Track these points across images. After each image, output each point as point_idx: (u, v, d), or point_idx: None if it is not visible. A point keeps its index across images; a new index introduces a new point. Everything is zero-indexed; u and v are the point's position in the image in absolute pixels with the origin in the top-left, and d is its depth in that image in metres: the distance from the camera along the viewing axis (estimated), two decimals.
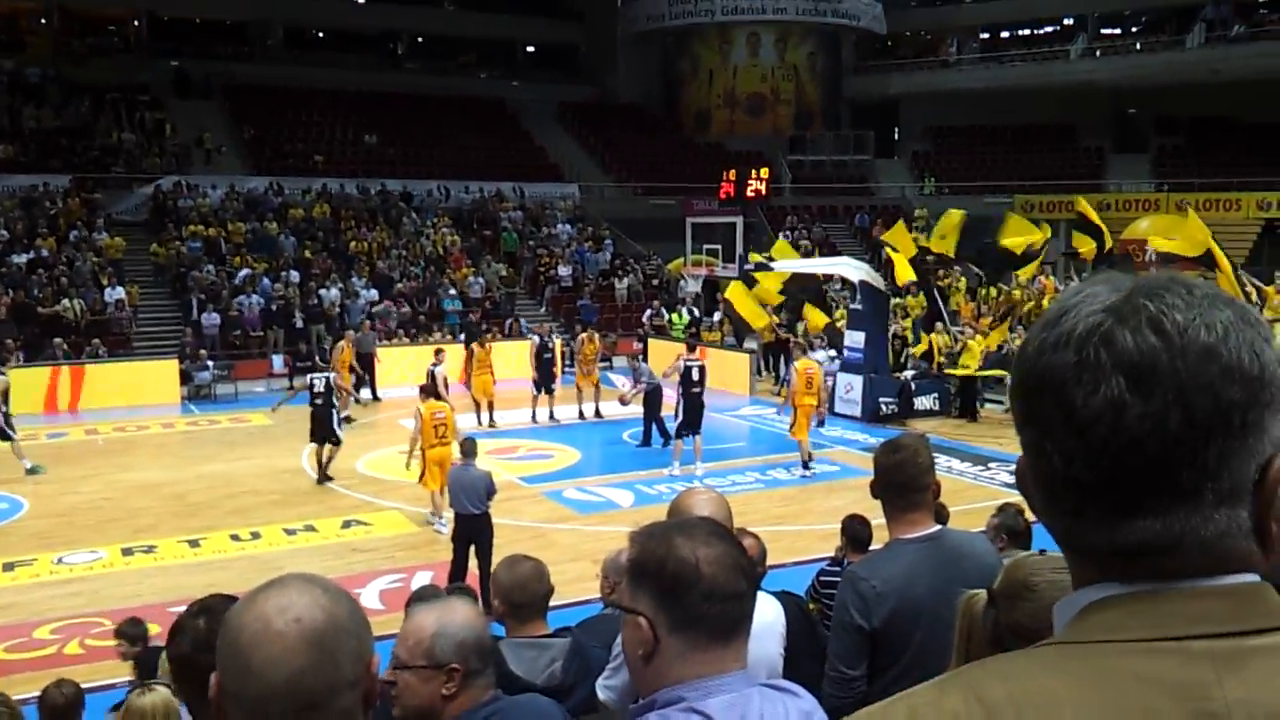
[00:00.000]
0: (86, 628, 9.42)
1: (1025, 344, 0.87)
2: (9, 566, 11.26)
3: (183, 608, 8.09)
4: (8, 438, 15.23)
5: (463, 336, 23.08)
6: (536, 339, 19.49)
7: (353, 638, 1.32)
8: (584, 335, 19.96)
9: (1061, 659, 0.83)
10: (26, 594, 10.48)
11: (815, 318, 21.14)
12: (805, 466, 14.92)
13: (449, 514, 11.72)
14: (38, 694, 6.59)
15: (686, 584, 1.62)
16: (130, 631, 6.30)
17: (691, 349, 15.96)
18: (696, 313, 26.40)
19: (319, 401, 14.68)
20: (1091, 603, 0.86)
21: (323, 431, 14.65)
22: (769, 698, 1.67)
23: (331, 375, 15.56)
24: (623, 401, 16.50)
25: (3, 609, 10.03)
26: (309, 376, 15.48)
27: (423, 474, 12.31)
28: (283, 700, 1.27)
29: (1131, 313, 0.81)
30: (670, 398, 15.44)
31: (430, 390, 13.03)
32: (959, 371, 18.86)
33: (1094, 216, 20.21)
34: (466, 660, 2.32)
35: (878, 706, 0.87)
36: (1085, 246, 20.18)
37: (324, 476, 14.61)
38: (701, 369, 14.97)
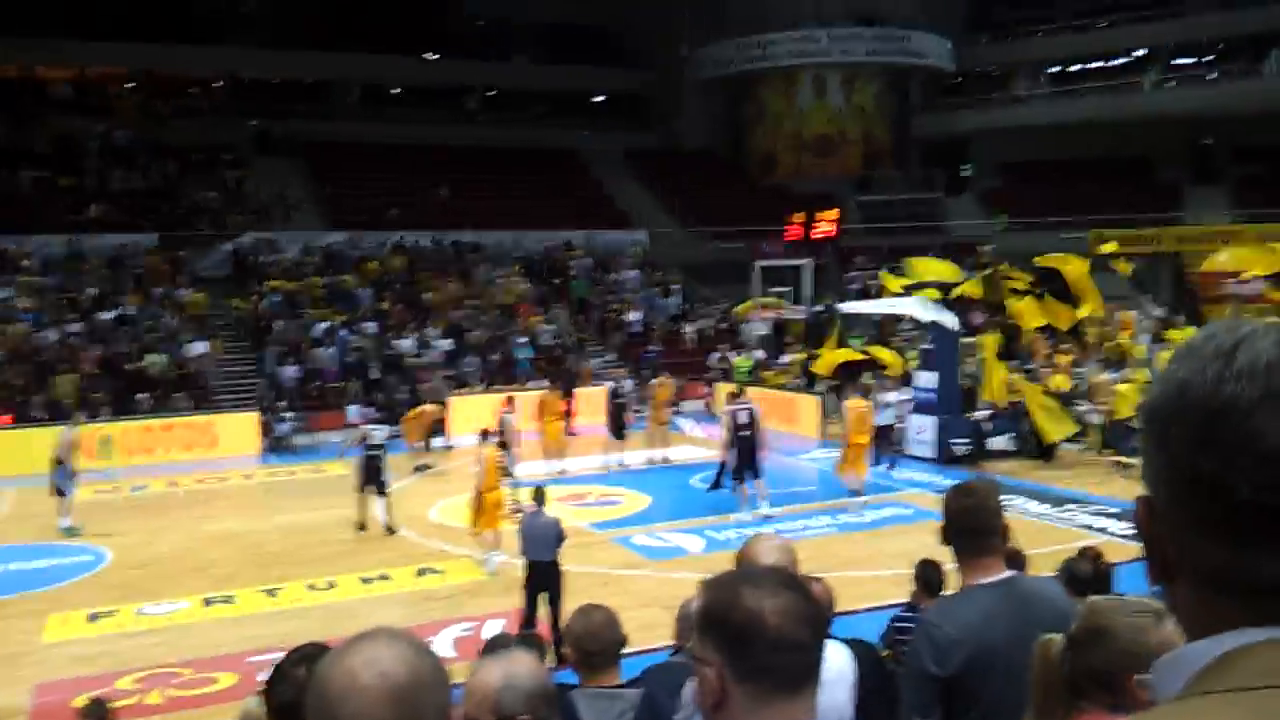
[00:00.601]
0: (168, 678, 9.59)
1: (1191, 378, 0.85)
2: (93, 617, 11.53)
3: (260, 657, 8.28)
4: (62, 493, 15.37)
5: (545, 383, 23.25)
6: (609, 385, 19.62)
7: (435, 692, 1.37)
8: (658, 380, 19.99)
9: (1228, 707, 0.80)
10: (109, 644, 10.70)
11: (888, 358, 20.94)
12: (857, 494, 15.38)
13: (497, 554, 12.46)
14: None
15: (753, 634, 1.62)
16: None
17: (736, 394, 15.99)
18: (763, 355, 26.29)
19: (373, 453, 14.75)
20: (1242, 647, 0.83)
21: (374, 482, 14.67)
22: None
23: (387, 430, 15.84)
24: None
25: (87, 659, 10.25)
26: (366, 427, 15.73)
27: (478, 517, 12.56)
28: None
29: None
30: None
31: (490, 435, 13.45)
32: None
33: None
34: (535, 711, 2.34)
35: None
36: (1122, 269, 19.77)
37: (389, 529, 14.62)
38: (750, 412, 14.93)
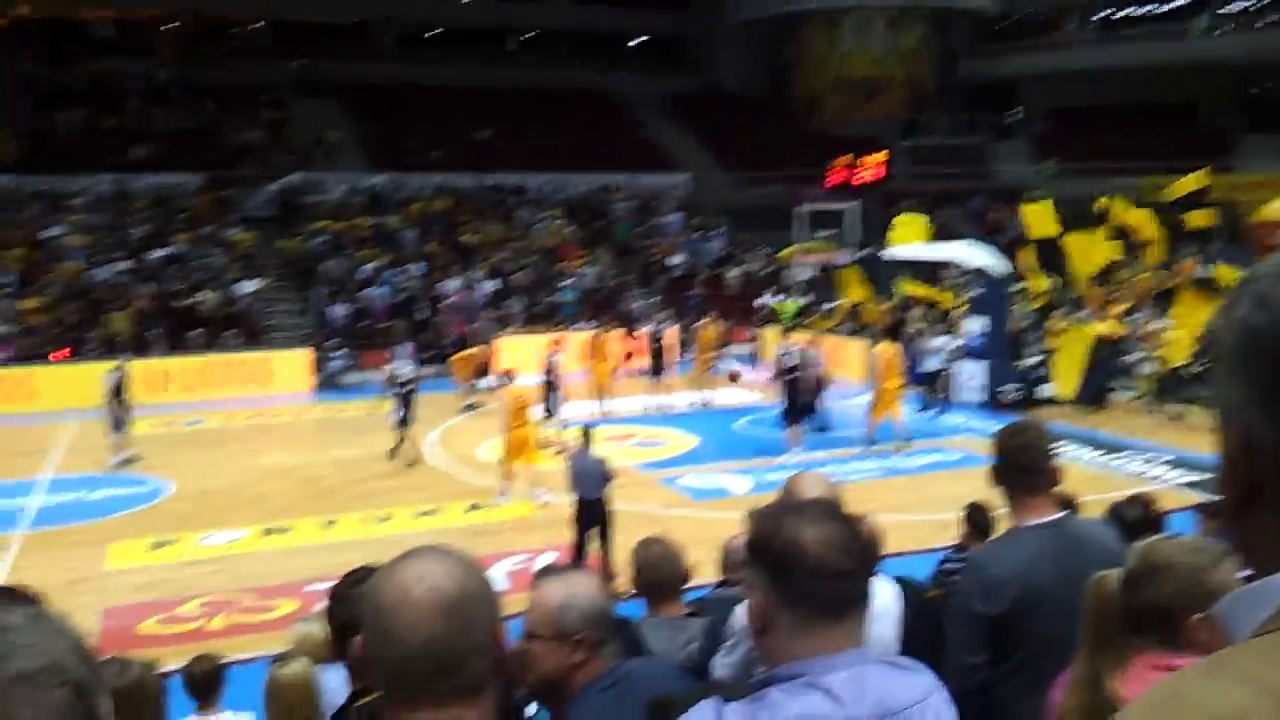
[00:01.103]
0: (229, 604, 9.92)
1: None
2: (157, 545, 11.88)
3: (318, 585, 8.49)
4: (119, 428, 15.74)
5: (594, 324, 23.43)
6: (650, 327, 19.72)
7: (483, 606, 1.42)
8: (703, 322, 20.04)
9: None
10: (173, 572, 11.04)
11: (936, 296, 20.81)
12: (872, 443, 15.33)
13: (516, 488, 12.96)
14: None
15: (793, 561, 1.71)
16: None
17: (785, 336, 16.07)
18: (805, 300, 26.22)
19: (409, 388, 15.35)
20: None
21: (406, 416, 15.26)
22: (888, 674, 1.73)
23: (415, 365, 16.59)
24: (733, 378, 16.69)
25: (152, 585, 10.60)
26: (390, 366, 16.25)
27: (508, 456, 12.92)
28: (420, 663, 1.37)
29: None
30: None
31: (511, 377, 13.85)
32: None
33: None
34: (593, 629, 2.44)
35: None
36: (1202, 221, 19.38)
37: (393, 454, 15.30)
38: (800, 354, 15.02)
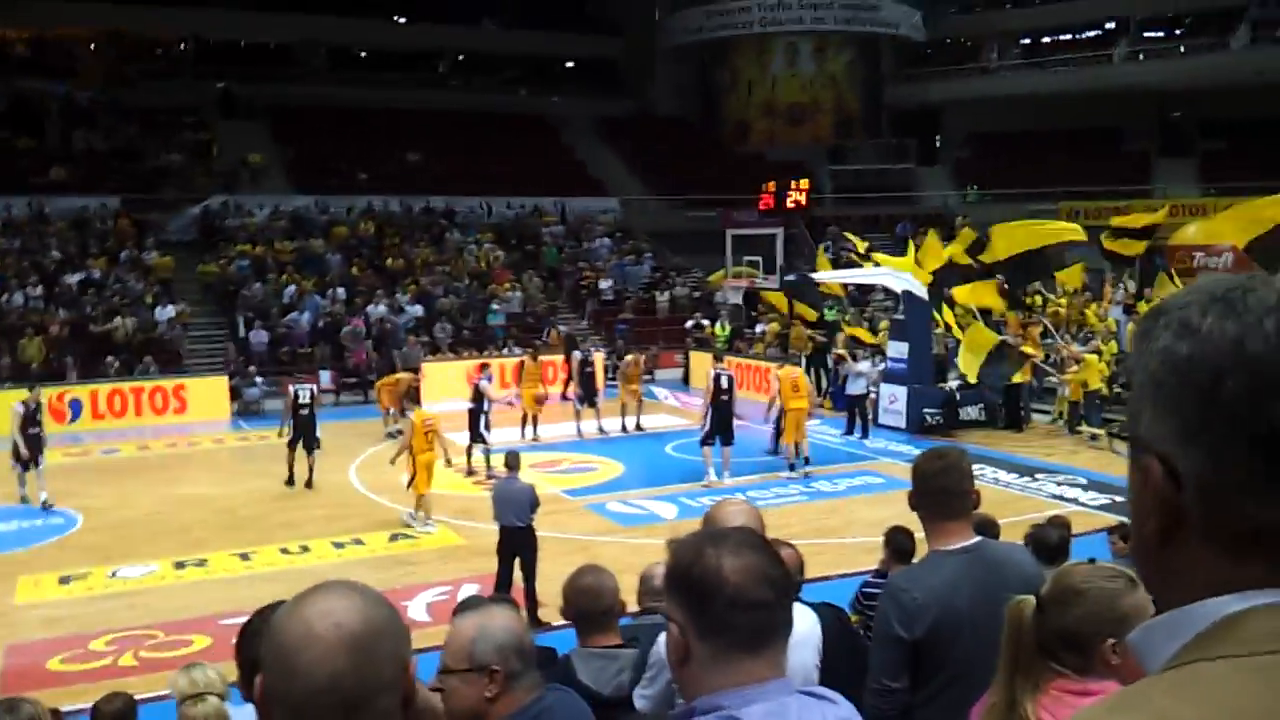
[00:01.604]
0: (141, 640, 9.60)
1: (1245, 333, 0.83)
2: (65, 579, 11.49)
3: (233, 620, 8.26)
4: (30, 463, 14.51)
5: (517, 349, 23.31)
6: (578, 355, 19.63)
7: (390, 640, 1.37)
8: (630, 359, 19.92)
9: (1243, 673, 0.78)
10: (82, 607, 10.69)
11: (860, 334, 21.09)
12: (792, 468, 15.45)
13: (428, 516, 13.00)
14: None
15: (711, 591, 1.65)
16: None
17: (718, 359, 16.12)
18: (733, 324, 26.40)
19: (304, 411, 15.55)
20: (1251, 608, 0.81)
21: (308, 440, 15.47)
22: (807, 705, 1.69)
23: (314, 388, 16.41)
24: None
25: (59, 621, 10.24)
26: (293, 388, 16.22)
27: (413, 478, 12.97)
28: (325, 701, 1.32)
29: None
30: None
31: (416, 400, 14.51)
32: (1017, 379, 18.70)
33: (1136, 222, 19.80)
34: (506, 661, 2.38)
35: None
36: (1130, 250, 19.88)
37: (309, 482, 15.43)
38: (730, 378, 15.10)
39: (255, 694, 1.40)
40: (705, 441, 15.05)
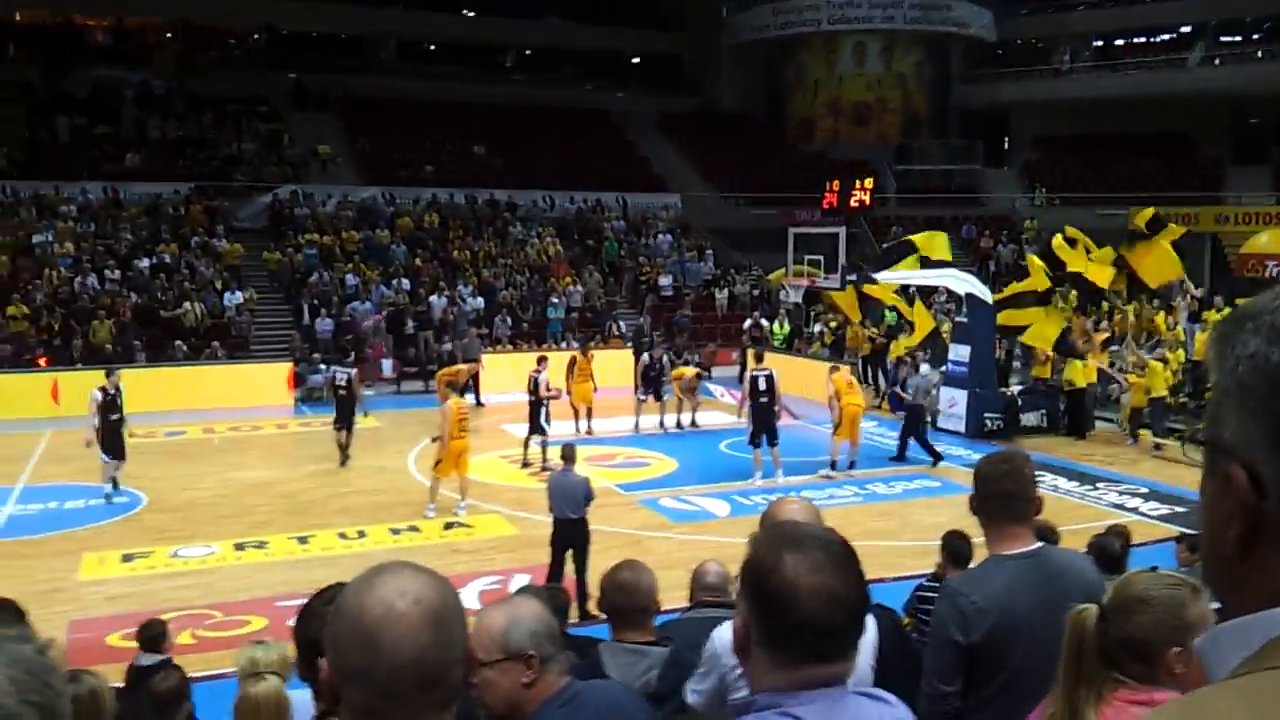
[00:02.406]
0: (199, 619, 9.78)
1: None
2: (128, 557, 11.74)
3: (290, 602, 8.37)
4: (116, 452, 14.37)
5: (575, 343, 23.36)
6: (646, 359, 19.52)
7: (460, 617, 1.44)
8: (674, 373, 19.83)
9: None
10: (143, 584, 10.90)
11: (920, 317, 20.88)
12: (833, 466, 15.57)
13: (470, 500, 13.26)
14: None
15: (782, 607, 1.62)
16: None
17: (759, 359, 16.01)
18: (792, 324, 26.21)
19: (343, 393, 16.37)
20: None
21: (345, 420, 16.29)
22: (863, 706, 1.68)
23: (353, 372, 17.02)
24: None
25: (121, 598, 10.47)
26: (333, 370, 17.36)
27: (439, 462, 13.18)
28: (411, 677, 1.36)
29: None
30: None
31: (458, 388, 15.02)
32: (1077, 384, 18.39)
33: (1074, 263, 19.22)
34: (540, 647, 2.42)
35: None
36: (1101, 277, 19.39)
37: (345, 457, 16.23)
38: (769, 379, 15.01)
39: (323, 675, 1.42)
40: (752, 442, 14.99)
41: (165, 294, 24.74)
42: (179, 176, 29.79)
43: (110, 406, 14.22)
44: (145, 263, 25.71)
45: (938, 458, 15.93)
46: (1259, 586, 0.84)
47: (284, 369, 22.47)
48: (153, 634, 6.25)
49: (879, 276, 20.54)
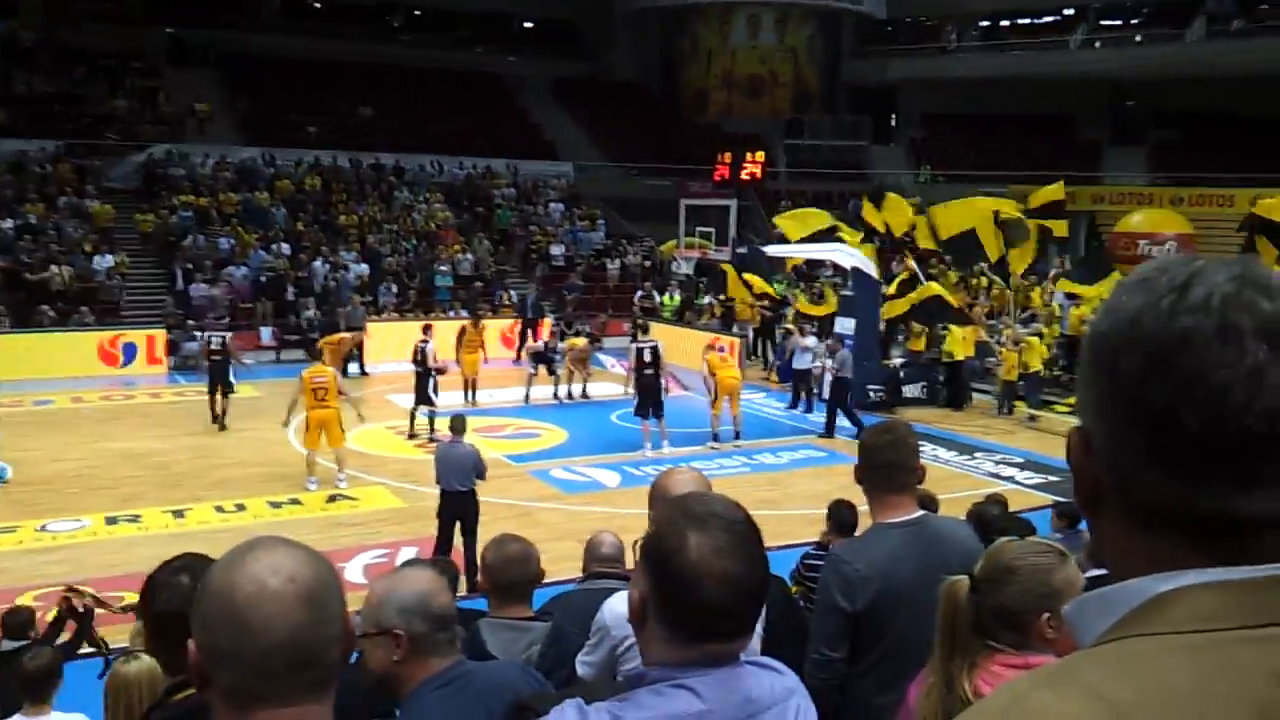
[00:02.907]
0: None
1: (1144, 310, 0.84)
2: None
3: None
4: None
5: (464, 313, 23.02)
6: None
7: (336, 594, 1.38)
8: (567, 344, 19.65)
9: (1172, 653, 0.79)
10: (10, 560, 10.45)
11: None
12: (716, 438, 15.60)
13: (344, 474, 13.03)
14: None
15: (684, 588, 1.60)
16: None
17: (645, 330, 16.04)
18: (683, 295, 26.33)
19: (217, 357, 16.64)
20: (1180, 588, 0.82)
21: (222, 382, 16.54)
22: (756, 677, 1.68)
23: (228, 335, 17.49)
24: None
25: None
26: (207, 334, 17.63)
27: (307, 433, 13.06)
28: (284, 657, 1.30)
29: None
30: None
31: (317, 355, 14.79)
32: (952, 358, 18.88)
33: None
34: (410, 624, 2.36)
35: (986, 706, 0.84)
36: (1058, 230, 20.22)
37: (221, 424, 16.35)
38: (655, 350, 15.06)
39: (191, 656, 1.34)
40: (638, 413, 15.00)
41: (31, 256, 23.57)
42: (47, 133, 28.37)
43: None
44: (9, 223, 24.47)
45: (861, 428, 16.11)
46: (1113, 551, 0.89)
47: (158, 336, 21.66)
48: (19, 621, 5.95)
49: (768, 250, 20.76)
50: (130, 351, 21.15)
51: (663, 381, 15.13)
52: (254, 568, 1.32)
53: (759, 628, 3.16)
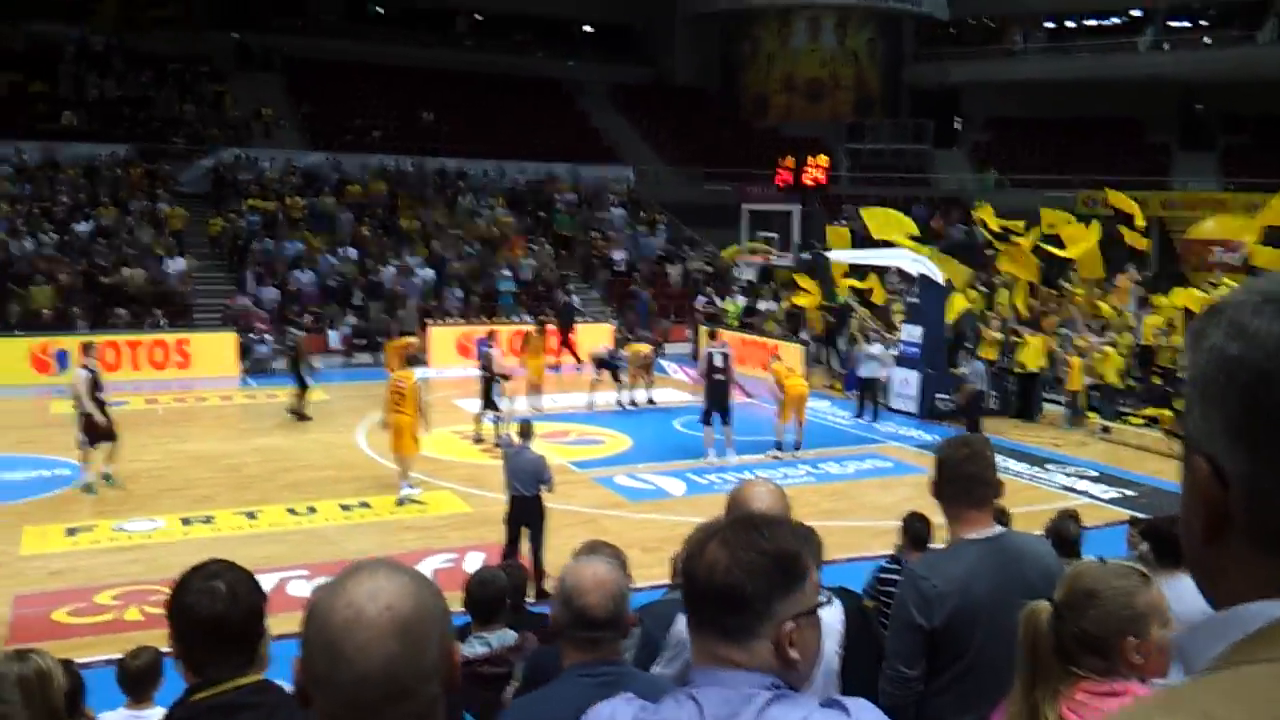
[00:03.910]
0: (145, 594, 9.57)
1: (1260, 333, 0.84)
2: (71, 531, 11.49)
3: None
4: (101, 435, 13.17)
5: (527, 317, 23.15)
6: (705, 354, 18.10)
7: (438, 624, 1.34)
8: (634, 347, 19.71)
9: None
10: (87, 559, 10.69)
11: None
12: (779, 447, 15.44)
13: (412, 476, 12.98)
14: (98, 659, 6.79)
15: (696, 584, 1.71)
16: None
17: (713, 335, 15.96)
18: (747, 301, 26.23)
19: (292, 353, 17.72)
20: None
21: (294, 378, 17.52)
22: (783, 707, 1.64)
23: (301, 335, 18.49)
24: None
25: (65, 573, 10.24)
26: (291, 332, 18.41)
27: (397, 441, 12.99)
28: (378, 687, 1.29)
29: None
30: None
31: (413, 360, 15.03)
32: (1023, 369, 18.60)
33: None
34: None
35: None
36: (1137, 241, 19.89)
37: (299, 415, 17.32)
38: (725, 355, 14.98)
39: (295, 676, 1.37)
40: (704, 420, 14.92)
41: (105, 259, 24.16)
42: (118, 138, 29.03)
43: (97, 385, 13.10)
44: (84, 226, 25.08)
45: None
46: (1233, 579, 0.87)
47: (229, 339, 22.02)
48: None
49: (832, 256, 20.64)
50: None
51: (731, 388, 15.05)
52: (354, 593, 1.32)
53: (836, 646, 3.17)
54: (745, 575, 1.67)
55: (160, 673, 4.72)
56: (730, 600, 1.67)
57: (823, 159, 29.11)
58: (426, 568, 10.25)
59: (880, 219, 21.07)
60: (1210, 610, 0.89)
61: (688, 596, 1.72)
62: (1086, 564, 2.44)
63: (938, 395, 18.26)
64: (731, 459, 14.71)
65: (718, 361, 14.81)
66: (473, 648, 4.58)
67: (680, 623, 3.13)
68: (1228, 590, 0.87)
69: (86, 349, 13.69)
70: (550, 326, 19.81)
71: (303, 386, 17.39)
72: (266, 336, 22.06)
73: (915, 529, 6.17)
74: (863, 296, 21.62)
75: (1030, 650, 2.31)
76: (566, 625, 2.62)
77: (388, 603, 1.30)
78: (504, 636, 4.68)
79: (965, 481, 3.38)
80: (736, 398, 15.71)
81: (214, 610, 2.33)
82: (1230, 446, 0.85)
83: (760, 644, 1.67)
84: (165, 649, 5.31)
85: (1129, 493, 13.40)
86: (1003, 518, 6.61)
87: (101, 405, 13.03)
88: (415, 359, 20.97)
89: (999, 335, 19.10)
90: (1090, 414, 17.74)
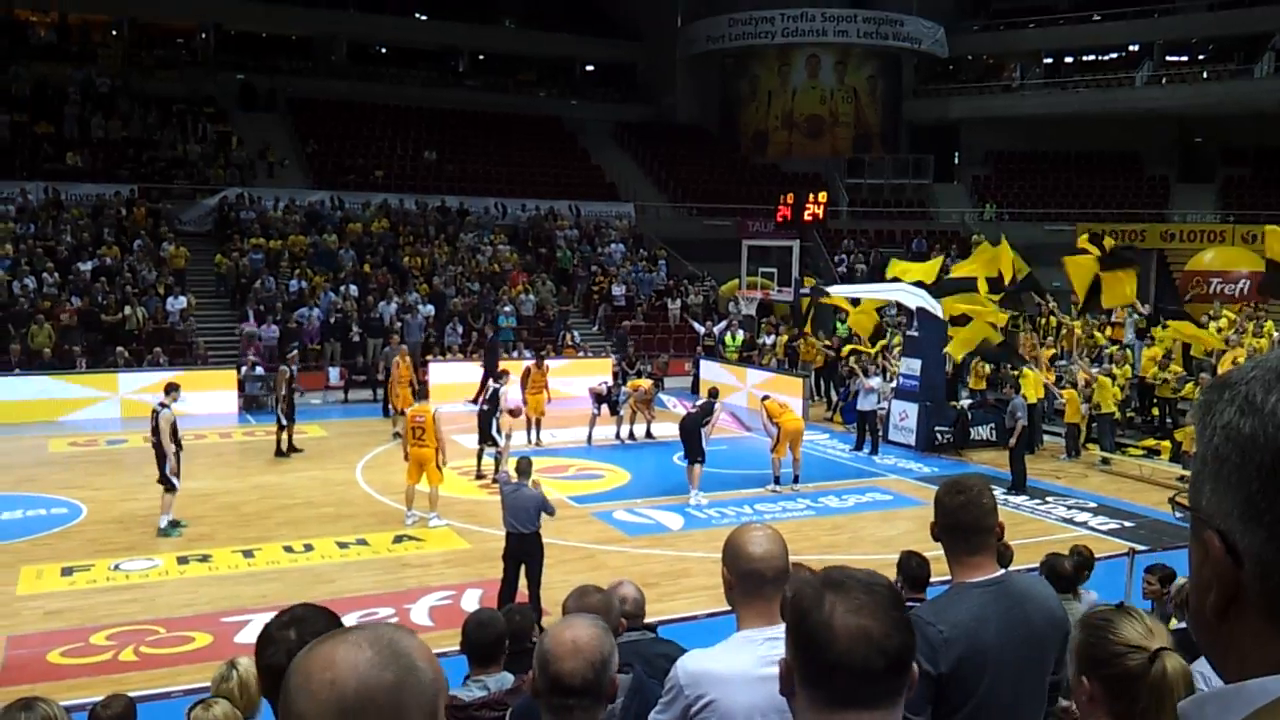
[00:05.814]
0: (142, 635, 9.52)
1: (1274, 411, 0.83)
2: (67, 571, 11.41)
3: (236, 618, 8.19)
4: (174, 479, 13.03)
5: (528, 353, 23.11)
6: (602, 385, 19.40)
7: (390, 712, 1.23)
8: (634, 383, 19.77)
9: None
10: (83, 599, 10.60)
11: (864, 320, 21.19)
12: (777, 481, 15.36)
13: (417, 512, 13.14)
14: (93, 699, 6.70)
15: (818, 645, 1.62)
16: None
17: (715, 394, 15.93)
18: (745, 334, 26.26)
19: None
20: None
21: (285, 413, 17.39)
22: None
23: (293, 369, 18.23)
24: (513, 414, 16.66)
25: (60, 613, 10.16)
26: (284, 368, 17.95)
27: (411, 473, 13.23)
28: None
29: None
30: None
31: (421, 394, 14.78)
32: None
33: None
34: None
35: None
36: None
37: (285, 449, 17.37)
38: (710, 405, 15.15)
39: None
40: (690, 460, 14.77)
41: (106, 298, 24.20)
42: (122, 178, 29.23)
43: (174, 429, 12.86)
44: (87, 265, 25.15)
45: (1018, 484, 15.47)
46: (1243, 654, 0.86)
47: (228, 376, 22.01)
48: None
49: (832, 290, 20.65)
50: None
51: (704, 431, 14.84)
52: (309, 659, 1.26)
53: None
54: (902, 634, 1.64)
55: (133, 717, 4.66)
56: (903, 665, 1.63)
57: (823, 195, 29.30)
58: (424, 605, 10.20)
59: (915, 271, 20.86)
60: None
61: (811, 660, 1.61)
62: (1107, 624, 2.28)
63: (936, 428, 18.23)
64: (701, 497, 14.48)
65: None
66: (469, 691, 4.51)
67: (679, 671, 3.06)
68: (1238, 664, 0.87)
69: (169, 390, 13.41)
70: (547, 363, 19.78)
71: (280, 424, 17.23)
72: (259, 369, 22.03)
73: (911, 568, 6.10)
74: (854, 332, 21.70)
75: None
76: (542, 690, 2.58)
77: (333, 677, 1.23)
78: (501, 680, 4.61)
79: (961, 529, 3.34)
80: (734, 431, 15.66)
81: (287, 661, 2.33)
82: (1245, 524, 0.85)
83: (885, 713, 1.64)
84: (138, 692, 5.27)
85: (1128, 524, 13.35)
86: (1005, 553, 6.57)
87: (179, 448, 12.92)
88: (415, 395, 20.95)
89: (1043, 375, 18.73)
90: (1090, 445, 17.71)
